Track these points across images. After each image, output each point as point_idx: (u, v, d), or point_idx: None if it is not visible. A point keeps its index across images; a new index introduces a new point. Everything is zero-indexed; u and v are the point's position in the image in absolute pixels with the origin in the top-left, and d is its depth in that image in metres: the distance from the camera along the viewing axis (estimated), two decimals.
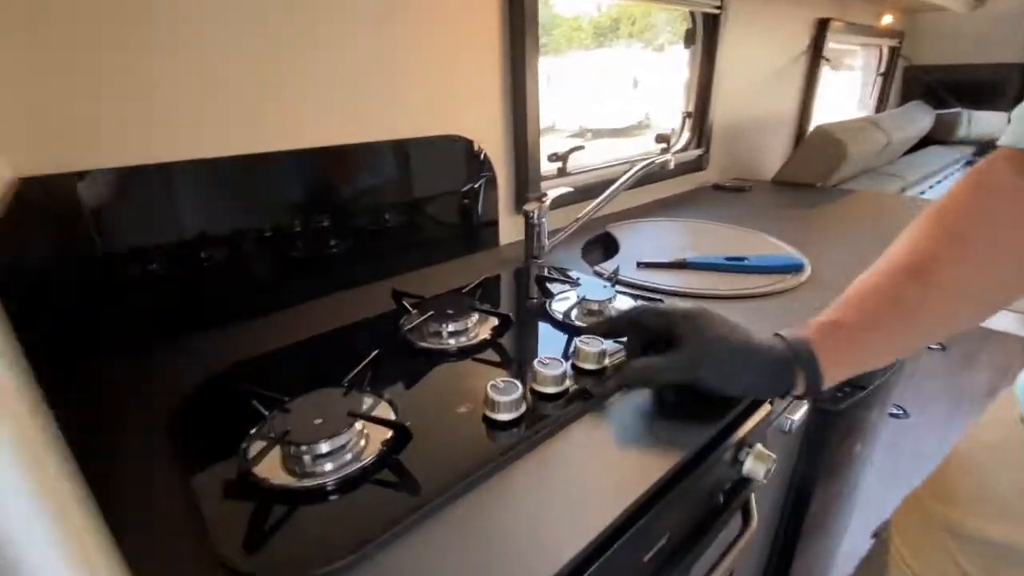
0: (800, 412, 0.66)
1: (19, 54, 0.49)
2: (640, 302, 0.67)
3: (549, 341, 0.61)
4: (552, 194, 0.86)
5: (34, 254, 0.52)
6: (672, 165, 0.85)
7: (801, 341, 0.44)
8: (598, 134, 1.42)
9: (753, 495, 0.58)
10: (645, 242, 0.98)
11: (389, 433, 0.42)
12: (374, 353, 0.50)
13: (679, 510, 0.46)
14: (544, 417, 0.46)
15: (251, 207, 0.67)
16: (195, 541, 0.35)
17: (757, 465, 0.53)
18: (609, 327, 0.54)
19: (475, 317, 0.62)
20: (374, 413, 0.46)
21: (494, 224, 0.96)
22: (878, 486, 1.38)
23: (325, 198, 0.73)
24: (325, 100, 0.71)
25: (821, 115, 1.90)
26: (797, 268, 0.80)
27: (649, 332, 0.51)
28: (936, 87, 2.79)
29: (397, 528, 0.35)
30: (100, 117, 0.55)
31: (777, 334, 0.47)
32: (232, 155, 0.64)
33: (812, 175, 1.48)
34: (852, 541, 1.16)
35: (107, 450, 0.44)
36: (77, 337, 0.56)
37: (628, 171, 0.86)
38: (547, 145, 0.98)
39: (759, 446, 0.54)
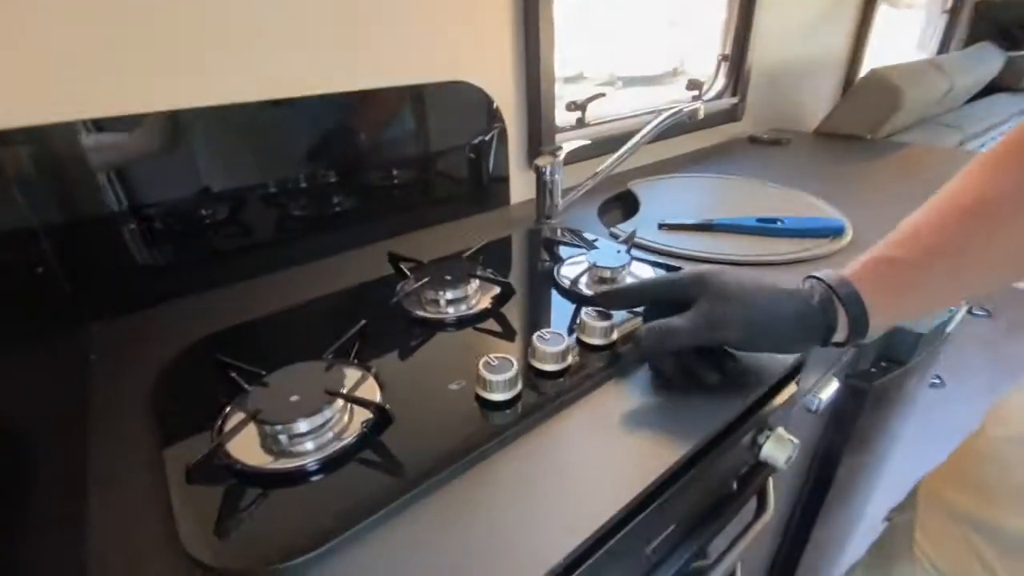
0: (829, 390, 0.61)
1: None
2: (656, 272, 0.62)
3: (555, 311, 0.57)
4: (567, 147, 0.79)
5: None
6: (702, 115, 0.76)
7: (842, 279, 0.40)
8: (629, 82, 1.31)
9: (771, 479, 0.54)
10: (669, 201, 0.91)
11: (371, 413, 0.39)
12: (360, 324, 0.47)
13: (687, 498, 0.43)
14: (542, 397, 0.42)
15: (245, 160, 0.62)
16: (164, 527, 0.33)
17: (777, 450, 0.48)
18: (618, 299, 0.49)
19: (475, 284, 0.57)
20: (359, 389, 0.43)
21: (504, 180, 0.90)
22: (902, 458, 1.32)
23: (325, 150, 0.68)
24: (320, 42, 0.64)
25: (875, 58, 1.72)
26: (837, 231, 0.72)
27: (661, 304, 0.45)
28: (1011, 26, 2.48)
29: (373, 517, 0.32)
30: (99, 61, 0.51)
31: (812, 276, 0.42)
32: (229, 103, 0.59)
33: (861, 126, 1.34)
34: (873, 511, 1.12)
35: (80, 421, 0.43)
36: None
37: (652, 122, 0.77)
38: (575, 94, 0.88)
39: (780, 429, 0.50)
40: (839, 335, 0.40)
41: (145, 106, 0.54)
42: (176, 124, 0.56)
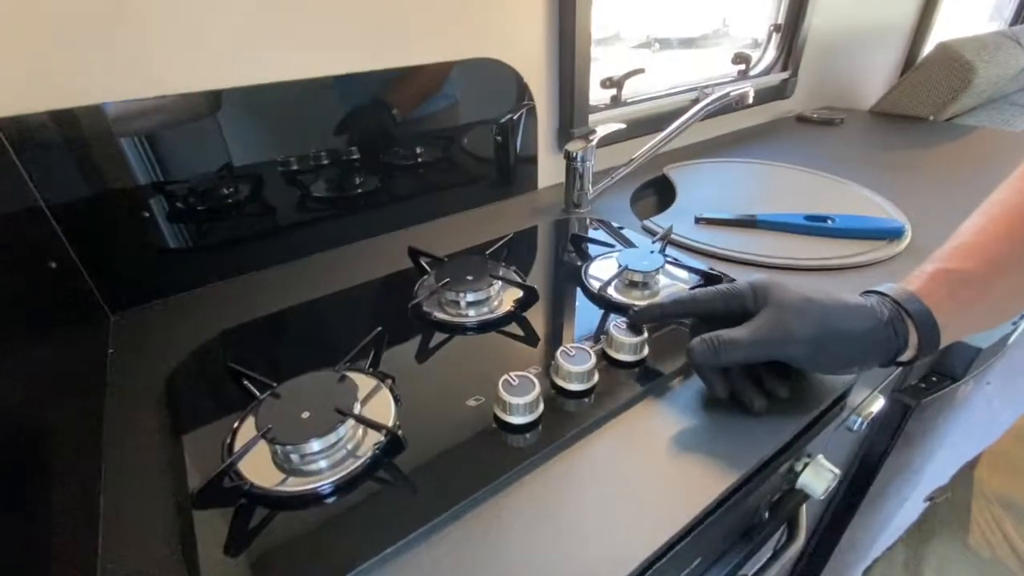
0: (874, 408, 0.57)
1: None
2: (691, 277, 0.57)
3: (581, 317, 0.53)
4: (600, 131, 0.74)
5: None
6: (751, 99, 0.69)
7: (911, 295, 0.38)
8: (666, 44, 1.22)
9: (804, 506, 0.50)
10: (708, 190, 0.85)
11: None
12: (376, 331, 0.44)
13: (716, 531, 0.40)
14: (565, 420, 0.39)
15: (266, 142, 0.60)
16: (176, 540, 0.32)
17: (816, 481, 0.45)
18: (659, 314, 0.45)
19: (497, 285, 0.54)
20: (373, 399, 0.41)
21: (532, 164, 0.85)
22: (945, 454, 1.26)
23: (348, 132, 0.65)
24: (341, 20, 0.60)
25: (943, 29, 1.56)
26: (895, 234, 0.66)
27: (715, 318, 0.42)
28: None
29: (377, 556, 0.31)
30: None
31: (872, 291, 0.40)
32: (254, 84, 0.56)
33: (924, 106, 1.23)
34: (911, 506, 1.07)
35: (96, 422, 0.42)
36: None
37: (694, 107, 0.71)
38: (610, 57, 0.78)
39: (821, 457, 0.46)
40: (907, 354, 0.38)
41: (172, 87, 0.52)
42: (201, 105, 0.54)
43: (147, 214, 0.54)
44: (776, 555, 0.48)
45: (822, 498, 0.46)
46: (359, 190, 0.69)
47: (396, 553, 0.31)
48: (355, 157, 0.66)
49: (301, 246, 0.67)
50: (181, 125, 0.54)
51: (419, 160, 0.72)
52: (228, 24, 0.53)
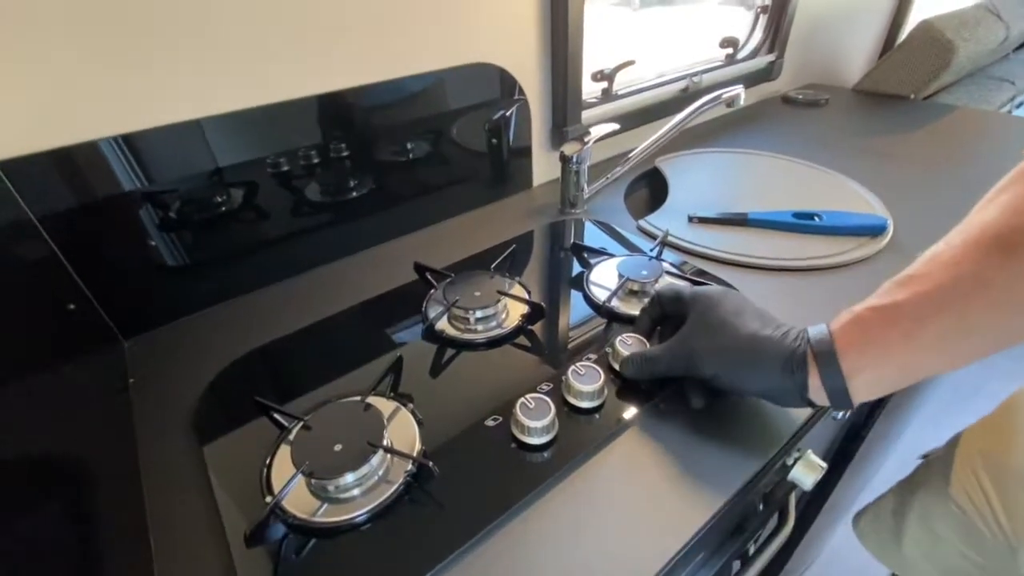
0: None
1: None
2: (680, 285, 0.60)
3: (586, 328, 0.56)
4: (595, 132, 0.75)
5: None
6: (742, 100, 0.71)
7: (821, 336, 0.35)
8: (647, 2, 1.21)
9: (793, 494, 0.55)
10: (699, 184, 0.86)
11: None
12: (397, 356, 0.47)
13: (717, 528, 0.44)
14: (580, 438, 0.42)
15: (262, 162, 0.60)
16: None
17: (806, 474, 0.49)
18: (649, 322, 0.50)
19: (505, 300, 0.56)
20: (395, 423, 0.43)
21: (527, 162, 0.86)
22: (917, 417, 1.32)
23: (344, 142, 0.65)
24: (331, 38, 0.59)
25: (923, 6, 1.56)
26: (878, 230, 0.69)
27: (670, 318, 0.47)
28: None
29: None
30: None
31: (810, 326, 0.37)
32: (246, 108, 0.55)
33: (905, 85, 1.25)
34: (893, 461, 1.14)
35: (131, 450, 0.44)
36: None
37: (686, 109, 0.72)
38: (588, 15, 0.75)
39: (810, 452, 0.50)
40: (817, 399, 0.36)
41: (168, 117, 0.51)
42: (195, 132, 0.53)
43: (152, 243, 0.54)
44: (769, 539, 0.53)
45: (810, 488, 0.50)
46: (357, 202, 0.69)
47: None
48: (351, 174, 0.67)
49: (302, 260, 0.67)
50: (177, 152, 0.53)
51: (417, 166, 0.73)
52: (223, 52, 0.52)
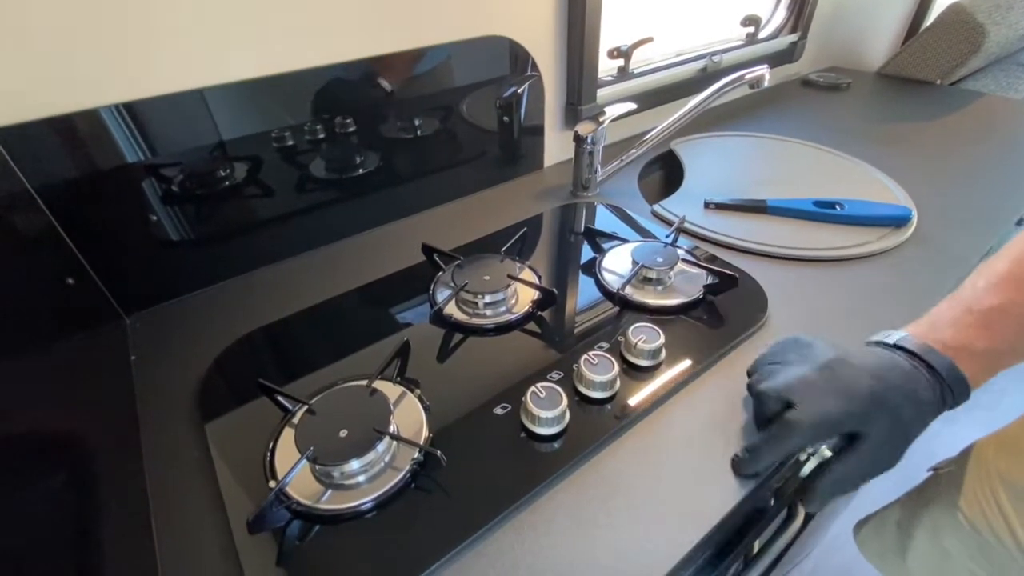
0: None
1: None
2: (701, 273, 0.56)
3: (599, 315, 0.54)
4: (611, 112, 0.72)
5: None
6: (766, 82, 0.68)
7: (951, 366, 0.37)
8: None
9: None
10: (715, 168, 0.84)
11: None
12: (403, 341, 0.45)
13: (728, 523, 0.43)
14: (591, 429, 0.41)
15: (267, 133, 0.57)
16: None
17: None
18: (762, 462, 0.40)
19: (515, 285, 0.55)
20: (401, 409, 0.42)
21: (539, 141, 0.83)
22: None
23: (352, 116, 0.62)
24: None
25: None
26: (901, 221, 0.66)
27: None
28: None
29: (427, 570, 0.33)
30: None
31: (914, 354, 0.38)
32: (251, 78, 0.53)
33: (932, 70, 1.20)
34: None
35: (132, 430, 0.43)
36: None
37: (706, 90, 0.69)
38: None
39: (824, 447, 0.49)
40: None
41: (171, 86, 0.49)
42: (195, 102, 0.51)
43: (154, 217, 0.53)
44: (778, 533, 0.52)
45: None
46: (366, 179, 0.67)
47: (441, 567, 0.33)
48: (358, 150, 0.65)
49: (308, 239, 0.66)
50: (180, 123, 0.51)
51: (425, 144, 0.70)
52: (227, 19, 0.50)
